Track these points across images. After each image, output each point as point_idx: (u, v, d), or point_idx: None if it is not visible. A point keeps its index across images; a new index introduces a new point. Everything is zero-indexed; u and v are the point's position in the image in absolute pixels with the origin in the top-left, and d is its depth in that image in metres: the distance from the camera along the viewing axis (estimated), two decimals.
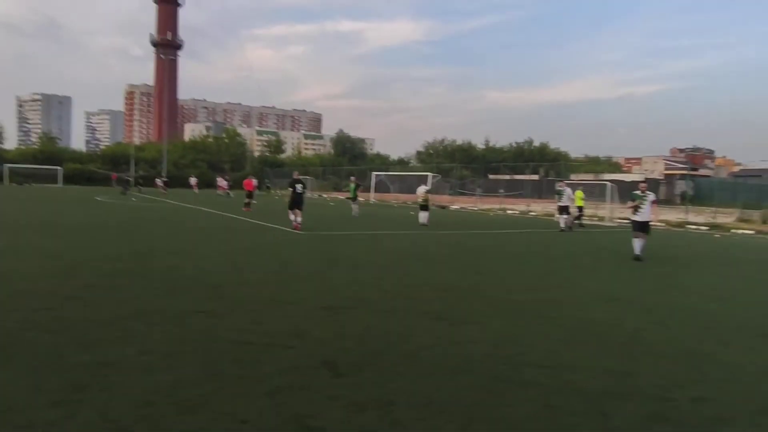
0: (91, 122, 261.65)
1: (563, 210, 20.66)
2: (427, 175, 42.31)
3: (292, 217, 16.32)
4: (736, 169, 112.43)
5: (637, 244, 12.26)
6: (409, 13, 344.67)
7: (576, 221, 23.14)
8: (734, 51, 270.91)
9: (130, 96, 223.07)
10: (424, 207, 20.51)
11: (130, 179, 48.21)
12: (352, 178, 26.75)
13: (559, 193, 21.00)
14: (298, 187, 16.69)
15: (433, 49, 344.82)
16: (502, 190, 47.43)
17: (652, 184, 54.17)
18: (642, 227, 12.35)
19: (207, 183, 54.18)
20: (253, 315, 6.06)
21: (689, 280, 10.24)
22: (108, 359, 4.41)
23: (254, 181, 30.25)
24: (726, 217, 28.77)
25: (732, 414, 3.86)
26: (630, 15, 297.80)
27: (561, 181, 25.13)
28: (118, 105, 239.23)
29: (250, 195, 26.67)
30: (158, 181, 47.07)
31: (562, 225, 20.40)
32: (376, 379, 4.24)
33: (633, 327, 6.19)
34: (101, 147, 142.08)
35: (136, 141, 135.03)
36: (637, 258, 12.09)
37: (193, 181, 47.27)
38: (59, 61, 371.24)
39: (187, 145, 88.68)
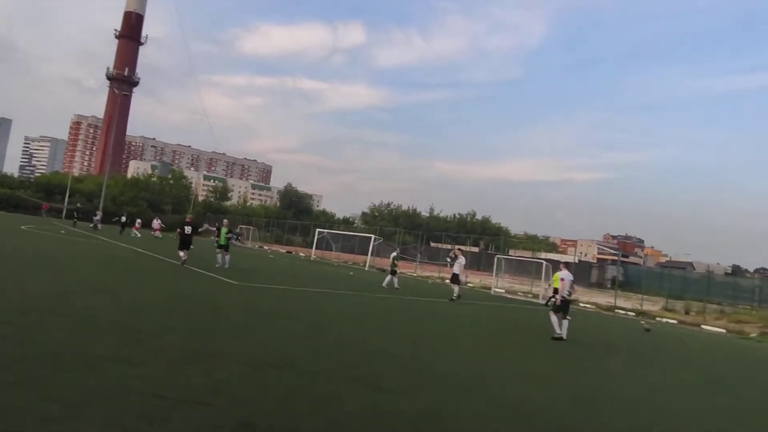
0: (29, 147, 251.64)
1: (455, 278, 19.78)
2: (370, 237, 42.46)
3: (181, 254, 18.59)
4: (662, 259, 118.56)
5: (555, 322, 12.15)
6: (368, 80, 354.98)
7: (552, 300, 22.83)
8: (664, 152, 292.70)
9: (76, 126, 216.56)
10: (394, 271, 22.00)
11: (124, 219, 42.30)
12: (225, 221, 22.85)
13: (452, 260, 20.31)
14: (187, 229, 19.41)
15: (388, 115, 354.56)
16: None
17: (585, 267, 56.34)
18: (557, 306, 12.42)
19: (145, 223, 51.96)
20: (171, 366, 5.73)
21: (614, 365, 10.48)
22: (4, 405, 4.02)
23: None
24: (652, 304, 29.98)
25: None
26: (576, 106, 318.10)
27: (455, 248, 24.44)
28: (63, 134, 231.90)
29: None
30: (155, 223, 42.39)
31: (454, 295, 19.34)
32: None
33: (561, 411, 6.21)
34: (36, 174, 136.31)
35: (76, 172, 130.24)
36: (553, 338, 11.97)
37: (155, 224, 42.89)
38: (6, 82, 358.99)
39: (129, 181, 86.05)
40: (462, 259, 20.11)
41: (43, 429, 3.71)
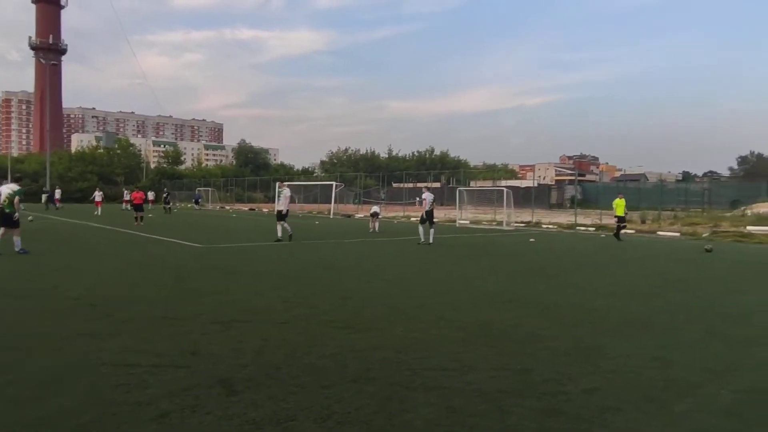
0: None
1: (280, 216, 16.48)
2: (331, 185, 42.20)
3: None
4: (617, 174, 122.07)
5: (422, 232, 16.66)
6: (310, 23, 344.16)
7: (619, 231, 20.58)
8: (612, 67, 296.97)
9: (6, 103, 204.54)
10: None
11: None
12: (5, 181, 18.17)
13: (278, 195, 16.96)
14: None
15: (335, 59, 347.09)
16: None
17: (544, 190, 57.50)
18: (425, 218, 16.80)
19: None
20: (142, 334, 5.65)
21: (579, 279, 10.85)
22: None
23: (144, 194, 27.80)
24: (611, 218, 30.91)
25: (620, 403, 4.06)
26: (521, 30, 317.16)
27: (281, 181, 21.35)
28: None
29: (138, 208, 24.79)
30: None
31: (279, 234, 16.50)
32: (275, 394, 4.06)
33: (530, 325, 6.42)
34: None
35: (14, 153, 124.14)
36: (422, 243, 16.24)
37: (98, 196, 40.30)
38: None
39: (74, 156, 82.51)
40: (287, 191, 16.80)
41: (16, 411, 3.63)
